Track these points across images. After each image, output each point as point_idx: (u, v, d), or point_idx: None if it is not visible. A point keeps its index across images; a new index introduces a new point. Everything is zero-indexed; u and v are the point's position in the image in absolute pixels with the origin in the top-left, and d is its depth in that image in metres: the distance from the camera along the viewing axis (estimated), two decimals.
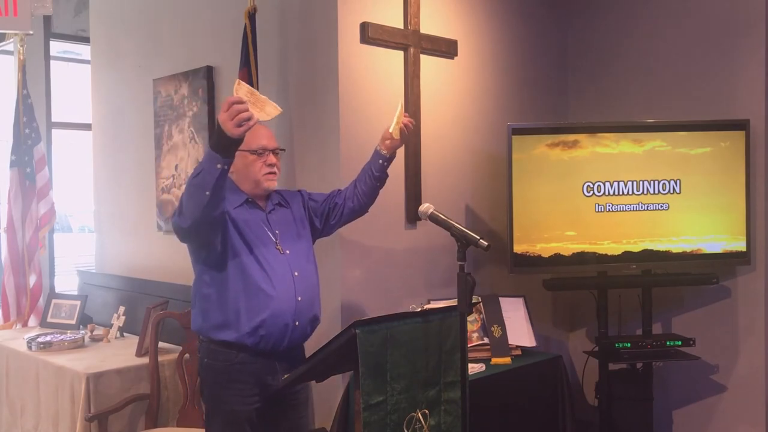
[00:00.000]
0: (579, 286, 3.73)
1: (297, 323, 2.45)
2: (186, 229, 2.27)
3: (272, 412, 2.52)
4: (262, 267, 2.41)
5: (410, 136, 2.73)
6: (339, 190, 2.75)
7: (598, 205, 3.52)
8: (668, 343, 3.57)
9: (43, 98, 5.16)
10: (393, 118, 2.63)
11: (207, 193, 2.15)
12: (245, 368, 2.42)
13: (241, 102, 2.05)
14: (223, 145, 2.10)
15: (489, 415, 2.89)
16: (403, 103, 2.67)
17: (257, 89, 3.23)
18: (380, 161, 2.65)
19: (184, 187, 2.30)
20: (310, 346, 2.46)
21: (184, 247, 2.48)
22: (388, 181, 2.74)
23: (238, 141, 2.11)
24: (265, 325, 2.38)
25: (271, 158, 2.49)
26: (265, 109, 2.15)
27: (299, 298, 2.46)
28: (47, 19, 5.23)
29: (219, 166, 2.12)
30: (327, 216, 2.71)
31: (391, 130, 2.62)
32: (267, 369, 2.44)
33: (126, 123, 4.51)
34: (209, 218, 2.24)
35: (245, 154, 2.43)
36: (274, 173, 2.51)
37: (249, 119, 2.05)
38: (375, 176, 2.67)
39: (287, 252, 2.50)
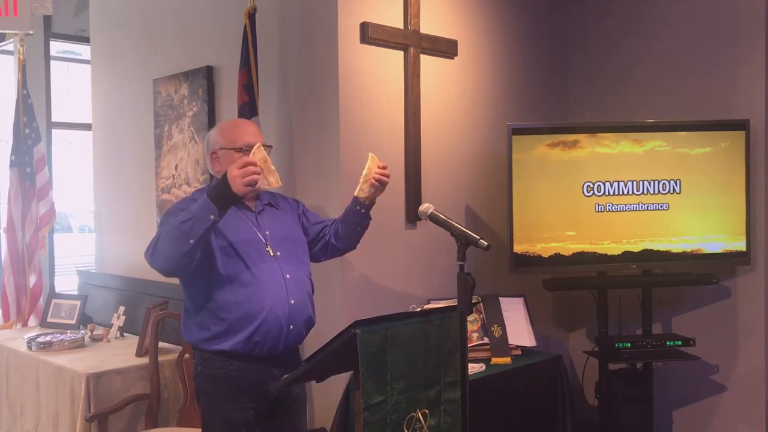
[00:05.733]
0: (579, 286, 3.73)
1: (291, 327, 2.40)
2: (157, 269, 2.25)
3: (270, 415, 2.49)
4: (251, 272, 2.35)
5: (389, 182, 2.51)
6: (334, 219, 2.67)
7: (598, 205, 3.52)
8: (668, 343, 3.57)
9: (43, 98, 5.15)
10: (362, 172, 2.44)
11: (191, 241, 2.15)
12: (241, 374, 2.37)
13: (254, 164, 2.15)
14: (223, 198, 2.15)
15: (489, 415, 2.90)
16: (373, 155, 2.47)
17: (257, 89, 3.25)
18: (357, 208, 2.52)
19: (163, 227, 2.24)
20: (310, 347, 2.45)
21: None
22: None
23: (238, 198, 2.17)
24: (259, 331, 2.33)
25: None
26: (268, 178, 2.26)
27: (292, 301, 2.40)
28: (47, 19, 5.23)
29: (212, 217, 2.15)
30: (313, 241, 2.63)
31: (356, 194, 2.47)
32: (264, 374, 2.39)
33: (126, 123, 4.51)
34: (183, 264, 2.21)
35: (230, 153, 2.41)
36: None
37: (256, 183, 2.14)
38: (354, 222, 2.56)
39: (278, 254, 2.44)
